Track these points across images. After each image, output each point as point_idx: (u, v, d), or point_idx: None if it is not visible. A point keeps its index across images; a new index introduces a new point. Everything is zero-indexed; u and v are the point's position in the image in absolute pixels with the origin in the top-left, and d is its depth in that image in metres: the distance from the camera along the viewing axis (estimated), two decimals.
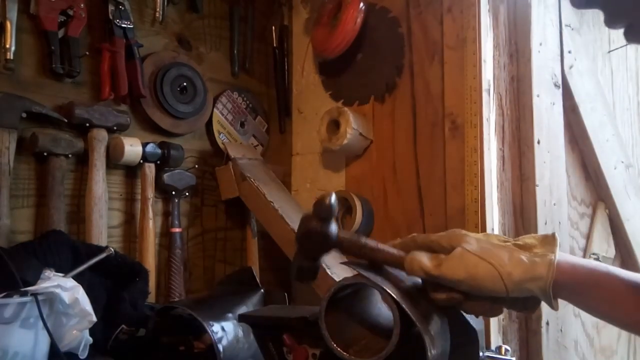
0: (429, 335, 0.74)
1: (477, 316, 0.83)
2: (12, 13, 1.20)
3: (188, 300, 1.37)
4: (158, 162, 1.42)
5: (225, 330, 1.10)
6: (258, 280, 1.37)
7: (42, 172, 1.26)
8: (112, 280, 1.20)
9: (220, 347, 1.07)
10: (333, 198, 0.79)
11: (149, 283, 1.26)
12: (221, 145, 1.60)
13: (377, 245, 0.81)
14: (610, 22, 0.62)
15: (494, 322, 1.29)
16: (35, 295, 0.89)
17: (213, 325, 1.09)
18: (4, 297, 0.87)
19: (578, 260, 0.76)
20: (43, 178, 1.25)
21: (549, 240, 0.76)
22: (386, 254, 0.80)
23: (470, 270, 0.73)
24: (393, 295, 0.75)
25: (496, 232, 1.34)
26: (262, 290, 1.33)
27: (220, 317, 1.13)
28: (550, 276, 0.71)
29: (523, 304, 0.76)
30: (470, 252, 0.74)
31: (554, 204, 1.43)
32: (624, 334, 1.66)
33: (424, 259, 0.75)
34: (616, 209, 1.61)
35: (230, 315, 1.15)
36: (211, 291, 1.50)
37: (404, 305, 0.74)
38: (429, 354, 0.73)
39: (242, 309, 1.14)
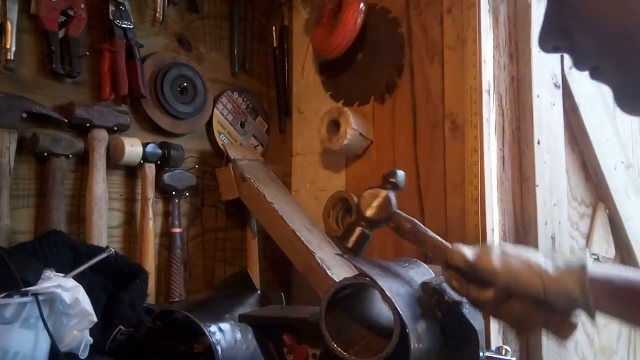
0: (415, 332, 0.75)
1: (513, 326, 0.82)
2: (13, 13, 1.20)
3: (185, 303, 1.37)
4: (158, 162, 1.42)
5: (223, 331, 1.10)
6: (254, 282, 1.37)
7: (43, 172, 1.26)
8: (111, 281, 1.20)
9: (219, 349, 1.07)
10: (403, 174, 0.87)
11: (148, 285, 1.26)
12: (221, 146, 1.60)
13: (427, 230, 0.86)
14: (577, 66, 0.66)
15: (494, 322, 1.29)
16: (35, 295, 0.89)
17: (210, 326, 1.09)
18: (4, 297, 0.87)
19: (610, 268, 0.78)
20: (43, 178, 1.25)
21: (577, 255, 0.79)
22: (434, 240, 0.86)
23: (506, 262, 0.76)
24: (387, 293, 0.76)
25: (496, 232, 1.34)
26: (258, 291, 1.33)
27: (217, 318, 1.13)
28: (585, 273, 0.72)
29: (561, 319, 0.77)
30: (507, 250, 0.78)
31: (554, 204, 1.43)
32: (624, 333, 1.66)
33: (465, 250, 0.80)
34: (616, 209, 1.61)
35: (227, 316, 1.15)
36: (208, 295, 1.50)
37: (395, 303, 0.75)
38: (412, 347, 0.74)
39: (240, 310, 1.15)
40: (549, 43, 0.65)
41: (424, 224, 1.45)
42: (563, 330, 0.78)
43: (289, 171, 1.80)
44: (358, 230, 0.87)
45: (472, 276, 0.79)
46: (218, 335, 1.09)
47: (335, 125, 1.56)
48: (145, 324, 1.16)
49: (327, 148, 1.59)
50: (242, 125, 1.68)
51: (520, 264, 0.76)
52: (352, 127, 1.52)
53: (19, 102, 1.20)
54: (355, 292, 0.87)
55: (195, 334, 1.13)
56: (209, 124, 1.60)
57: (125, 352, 1.11)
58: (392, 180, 0.87)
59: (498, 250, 0.78)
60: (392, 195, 0.86)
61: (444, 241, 0.85)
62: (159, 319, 1.18)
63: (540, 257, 0.77)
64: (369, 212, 0.86)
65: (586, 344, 1.50)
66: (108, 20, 1.36)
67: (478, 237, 1.31)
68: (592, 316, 0.74)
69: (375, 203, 0.86)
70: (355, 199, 1.52)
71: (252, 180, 1.50)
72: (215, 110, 1.60)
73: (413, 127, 1.51)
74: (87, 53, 1.33)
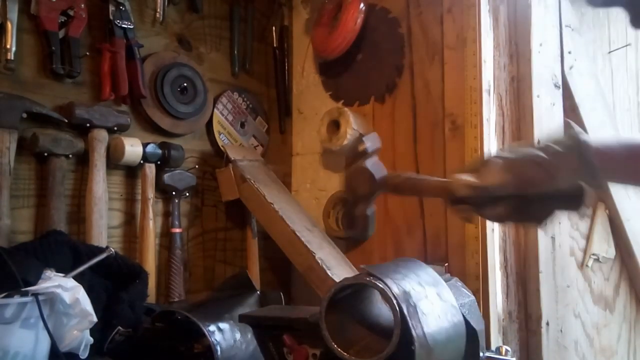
0: (416, 334, 0.75)
1: (535, 222, 0.82)
2: (13, 13, 1.20)
3: (185, 304, 1.37)
4: (158, 162, 1.42)
5: (222, 331, 1.10)
6: (254, 283, 1.37)
7: (43, 172, 1.26)
8: (111, 281, 1.20)
9: (218, 349, 1.07)
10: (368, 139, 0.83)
11: (148, 286, 1.26)
12: (222, 147, 1.60)
13: (423, 177, 0.84)
14: (636, 22, 0.62)
15: (494, 322, 1.29)
16: (35, 295, 0.89)
17: (209, 326, 1.09)
18: (4, 297, 0.87)
19: (604, 137, 0.77)
20: (43, 178, 1.25)
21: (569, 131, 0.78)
22: (432, 182, 0.83)
23: (511, 168, 0.75)
24: (392, 291, 0.76)
25: (496, 231, 1.34)
26: (257, 292, 1.33)
27: (216, 318, 1.13)
28: (584, 147, 0.72)
29: (570, 199, 0.77)
30: (504, 156, 0.77)
31: None
32: (624, 334, 1.66)
33: (467, 177, 0.78)
34: (616, 209, 1.61)
35: (227, 316, 1.15)
36: (207, 296, 1.49)
37: (395, 303, 0.75)
38: (413, 347, 0.74)
39: (239, 311, 1.14)
40: None
41: (423, 224, 1.47)
42: (576, 205, 0.78)
43: (289, 171, 1.80)
44: (360, 213, 0.85)
45: (483, 197, 0.78)
46: (217, 335, 1.09)
47: (335, 125, 1.56)
48: (143, 325, 1.16)
49: (327, 148, 1.59)
50: (242, 125, 1.68)
51: (524, 166, 0.75)
52: (352, 127, 1.52)
53: (19, 102, 1.20)
54: (355, 292, 0.87)
55: (195, 335, 1.13)
56: (209, 124, 1.60)
57: (124, 353, 1.11)
58: (363, 148, 0.85)
59: (498, 161, 0.77)
60: (372, 162, 0.84)
61: (442, 179, 0.83)
62: (159, 319, 1.18)
63: (537, 151, 0.76)
64: (361, 190, 0.84)
65: (586, 344, 1.50)
66: (108, 20, 1.36)
67: (478, 237, 1.31)
68: (599, 185, 0.74)
69: (362, 178, 0.83)
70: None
71: (252, 181, 1.50)
72: (215, 110, 1.60)
73: (413, 127, 1.51)
74: (87, 53, 1.33)
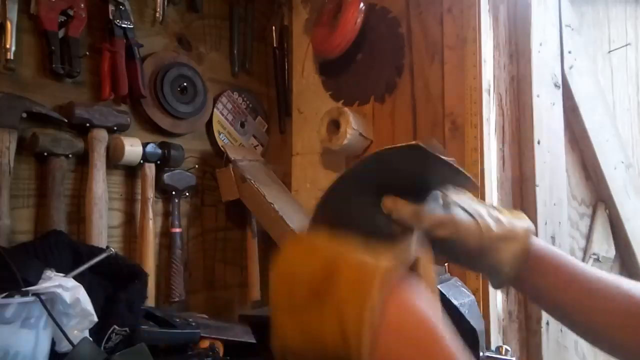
0: None
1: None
2: (13, 13, 1.20)
3: None
4: (158, 162, 1.42)
5: None
6: (255, 282, 1.35)
7: (42, 172, 1.26)
8: (111, 282, 1.19)
9: None
10: None
11: (147, 286, 1.25)
12: (222, 147, 1.59)
13: None
14: None
15: (494, 321, 1.29)
16: (37, 295, 0.89)
17: None
18: (5, 297, 0.87)
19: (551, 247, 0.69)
20: (43, 178, 1.25)
21: (519, 214, 0.71)
22: None
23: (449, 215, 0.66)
24: None
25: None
26: None
27: None
28: (527, 240, 0.65)
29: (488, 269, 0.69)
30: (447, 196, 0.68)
31: (554, 204, 1.43)
32: None
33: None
34: (616, 209, 1.61)
35: None
36: None
37: None
38: None
39: None
40: None
41: None
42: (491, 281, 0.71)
43: (289, 171, 1.80)
44: None
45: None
46: None
47: (335, 125, 1.56)
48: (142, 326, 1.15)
49: (327, 148, 1.59)
50: (242, 125, 1.68)
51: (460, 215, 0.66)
52: (352, 127, 1.52)
53: (19, 102, 1.20)
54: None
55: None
56: (209, 123, 1.60)
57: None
58: None
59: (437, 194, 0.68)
60: None
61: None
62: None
63: (482, 208, 0.67)
64: None
65: (586, 343, 1.50)
66: (108, 20, 1.36)
67: None
68: (502, 282, 0.67)
69: None
70: None
71: (252, 181, 1.50)
72: (215, 110, 1.60)
73: (413, 127, 1.51)
74: (87, 53, 1.33)
